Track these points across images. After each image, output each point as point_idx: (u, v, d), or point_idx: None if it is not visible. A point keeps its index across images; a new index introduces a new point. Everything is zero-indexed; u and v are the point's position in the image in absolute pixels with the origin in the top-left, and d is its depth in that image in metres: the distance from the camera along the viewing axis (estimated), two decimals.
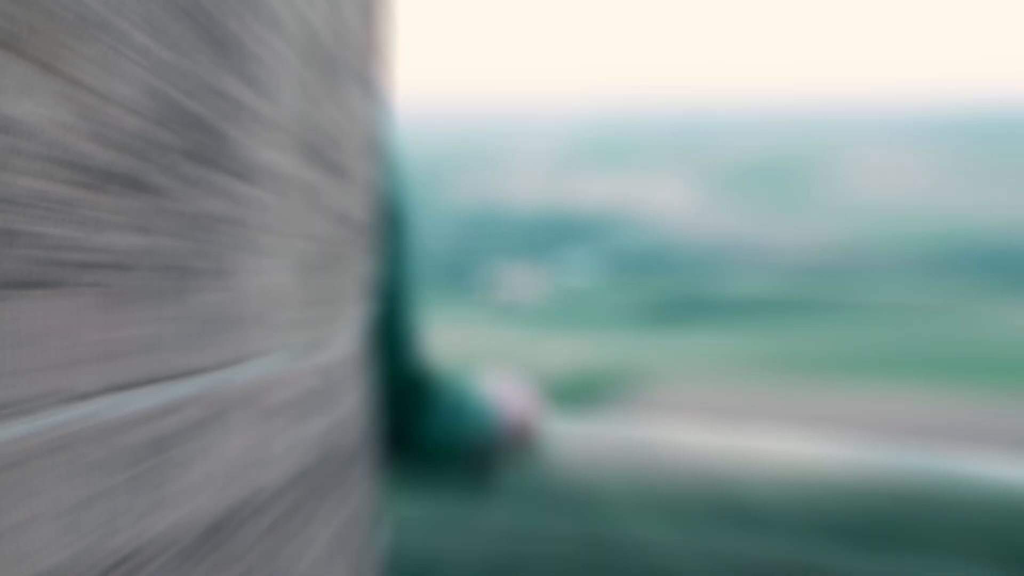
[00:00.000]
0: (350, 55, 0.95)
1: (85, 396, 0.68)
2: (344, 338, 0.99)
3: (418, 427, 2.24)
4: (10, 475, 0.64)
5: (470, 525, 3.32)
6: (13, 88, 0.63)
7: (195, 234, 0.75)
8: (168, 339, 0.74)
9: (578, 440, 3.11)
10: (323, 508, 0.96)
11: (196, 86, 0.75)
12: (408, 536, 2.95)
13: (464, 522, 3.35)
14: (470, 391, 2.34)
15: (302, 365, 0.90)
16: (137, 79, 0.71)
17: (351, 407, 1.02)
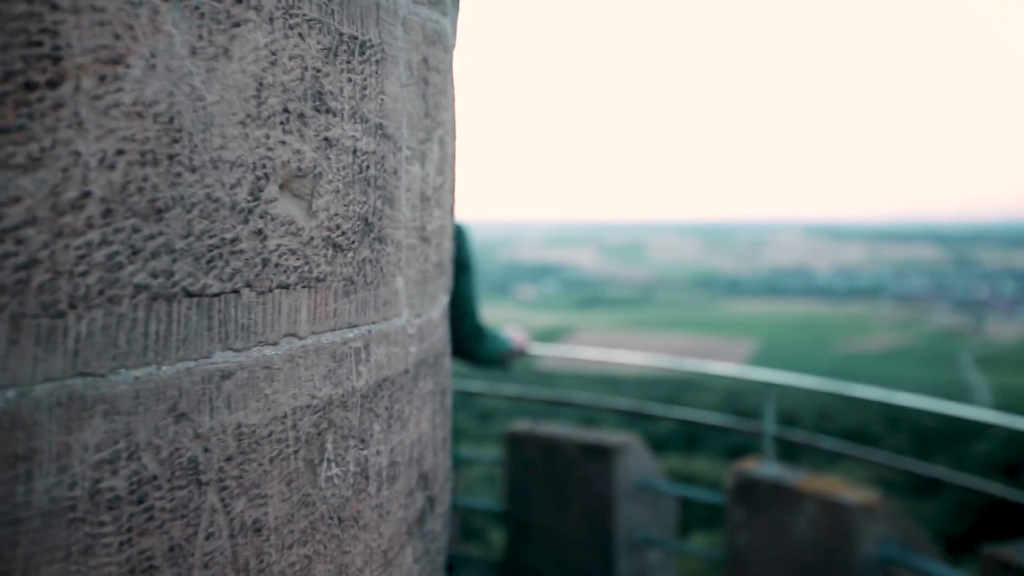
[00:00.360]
0: (436, 193, 1.07)
1: (303, 336, 0.80)
2: (433, 310, 1.10)
3: (478, 349, 2.60)
4: (275, 369, 0.76)
5: (501, 390, 4.30)
6: (277, 204, 0.76)
7: (358, 266, 0.87)
8: (342, 312, 0.85)
9: (549, 355, 3.86)
10: (424, 380, 1.06)
11: (358, 201, 0.86)
12: (474, 397, 4.17)
13: (498, 389, 4.27)
14: (500, 333, 2.70)
15: (412, 322, 1.01)
16: (328, 198, 0.83)
17: (437, 338, 1.14)
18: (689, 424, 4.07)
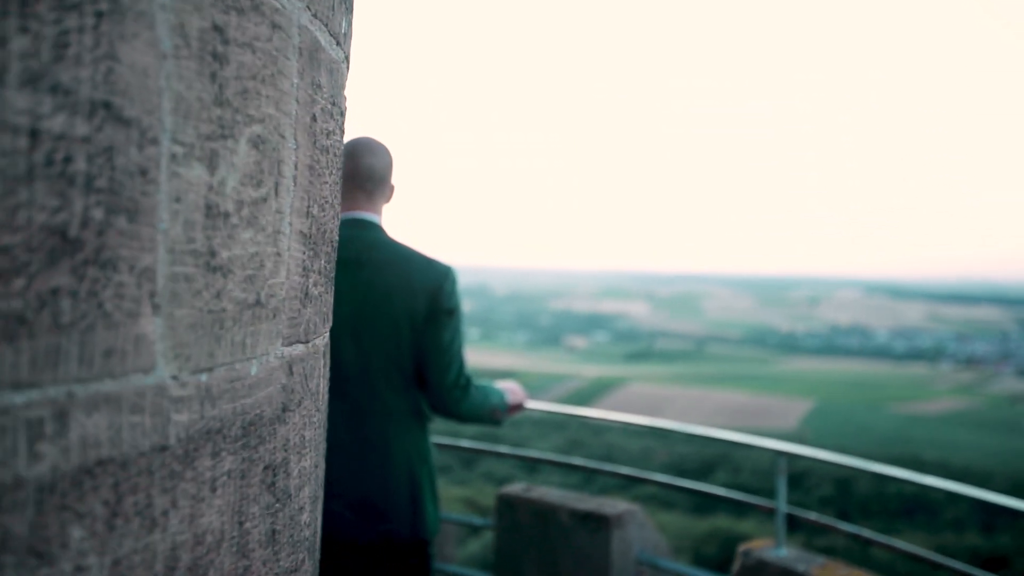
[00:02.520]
0: (244, 210, 0.83)
1: None
2: (249, 364, 0.85)
3: (460, 405, 2.31)
4: None
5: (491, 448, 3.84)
6: None
7: (38, 299, 0.60)
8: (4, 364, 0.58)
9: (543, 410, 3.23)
10: (217, 459, 0.80)
11: (42, 206, 0.60)
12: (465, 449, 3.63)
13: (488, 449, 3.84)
14: (490, 387, 2.42)
15: (186, 380, 0.75)
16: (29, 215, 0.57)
17: (256, 400, 0.87)
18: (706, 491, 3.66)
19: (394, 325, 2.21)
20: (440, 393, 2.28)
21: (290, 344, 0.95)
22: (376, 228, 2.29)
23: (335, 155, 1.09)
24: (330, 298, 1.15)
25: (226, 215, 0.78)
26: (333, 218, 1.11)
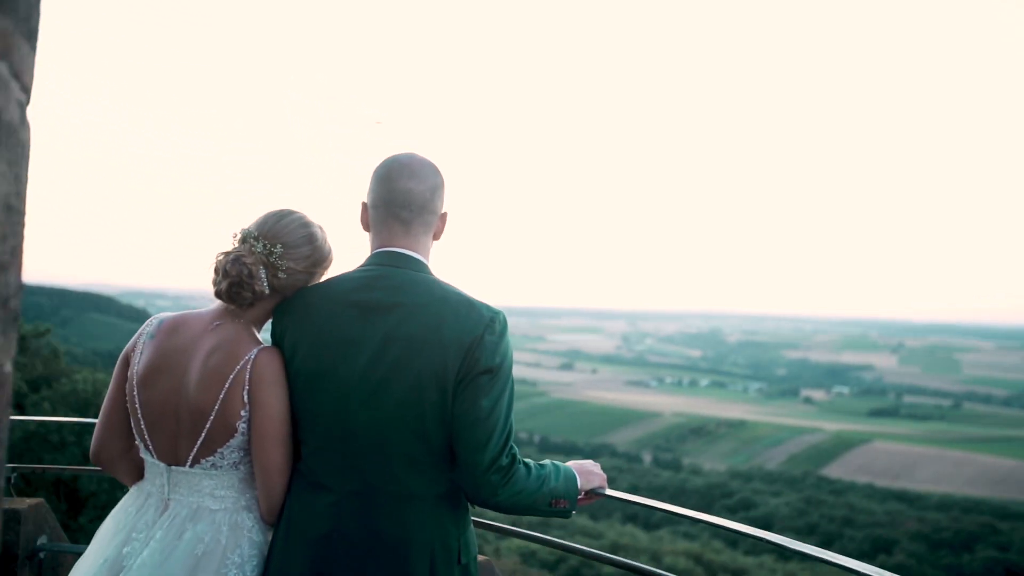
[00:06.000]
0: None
1: None
2: None
3: (498, 492, 1.74)
4: None
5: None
6: None
7: None
8: None
9: (617, 497, 2.35)
10: None
11: None
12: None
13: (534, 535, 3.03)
14: (549, 469, 1.85)
15: None
16: None
17: None
18: None
19: (417, 386, 1.70)
20: (472, 476, 1.73)
21: None
22: (413, 265, 1.82)
23: None
24: None
25: None
26: None
